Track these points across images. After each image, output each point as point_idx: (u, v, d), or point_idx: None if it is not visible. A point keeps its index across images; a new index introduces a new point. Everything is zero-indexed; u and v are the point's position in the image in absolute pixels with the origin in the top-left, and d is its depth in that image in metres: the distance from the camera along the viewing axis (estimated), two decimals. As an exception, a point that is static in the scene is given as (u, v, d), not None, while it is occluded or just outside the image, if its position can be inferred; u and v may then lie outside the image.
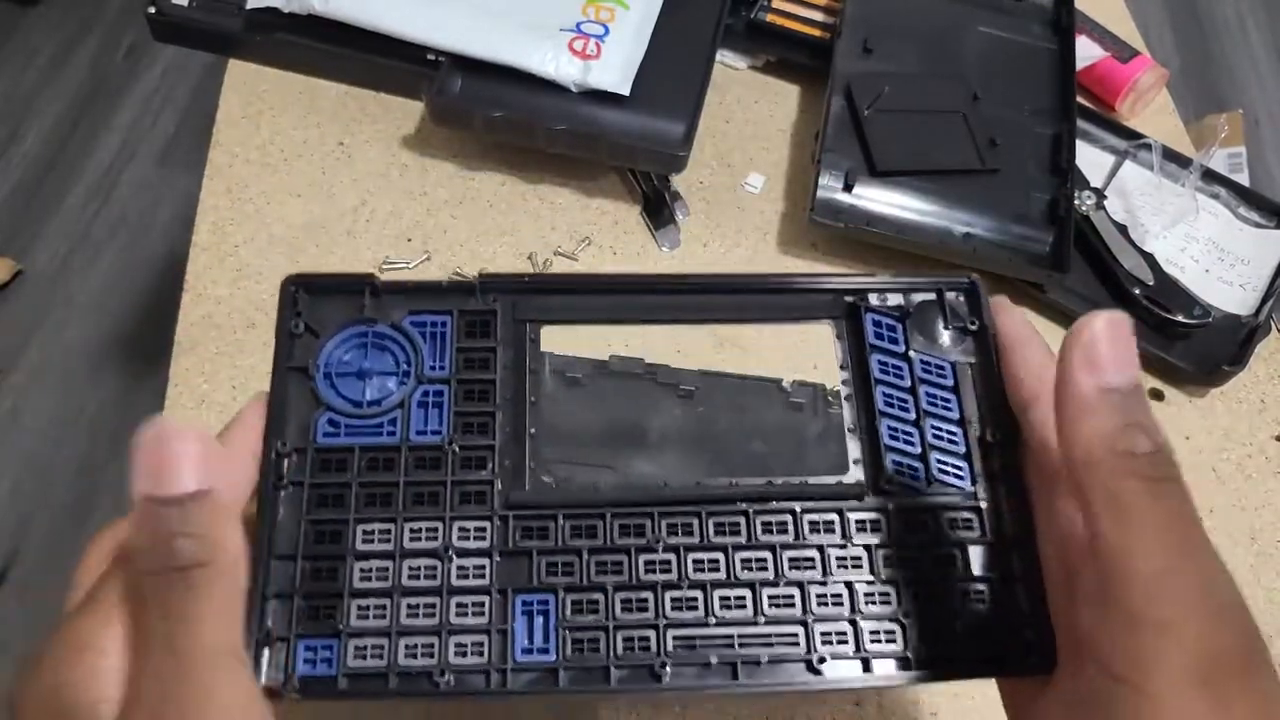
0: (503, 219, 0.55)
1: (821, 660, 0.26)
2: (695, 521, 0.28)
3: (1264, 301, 0.55)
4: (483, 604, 0.26)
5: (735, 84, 0.64)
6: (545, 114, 0.54)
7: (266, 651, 0.25)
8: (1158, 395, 0.53)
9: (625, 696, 0.26)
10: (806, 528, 0.28)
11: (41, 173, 1.39)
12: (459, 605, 0.26)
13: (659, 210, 0.56)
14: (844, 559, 0.27)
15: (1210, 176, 0.60)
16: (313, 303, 0.29)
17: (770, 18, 0.63)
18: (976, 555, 0.28)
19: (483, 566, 0.27)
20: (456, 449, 0.28)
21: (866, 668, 0.26)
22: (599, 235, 0.55)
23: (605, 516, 0.27)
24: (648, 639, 0.26)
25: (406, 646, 0.25)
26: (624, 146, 0.54)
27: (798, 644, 0.26)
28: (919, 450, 0.29)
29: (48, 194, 1.37)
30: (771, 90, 0.64)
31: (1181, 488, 0.22)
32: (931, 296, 0.31)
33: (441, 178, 0.56)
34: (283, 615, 0.25)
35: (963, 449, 0.29)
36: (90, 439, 1.13)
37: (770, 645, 0.26)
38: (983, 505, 0.28)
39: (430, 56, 0.55)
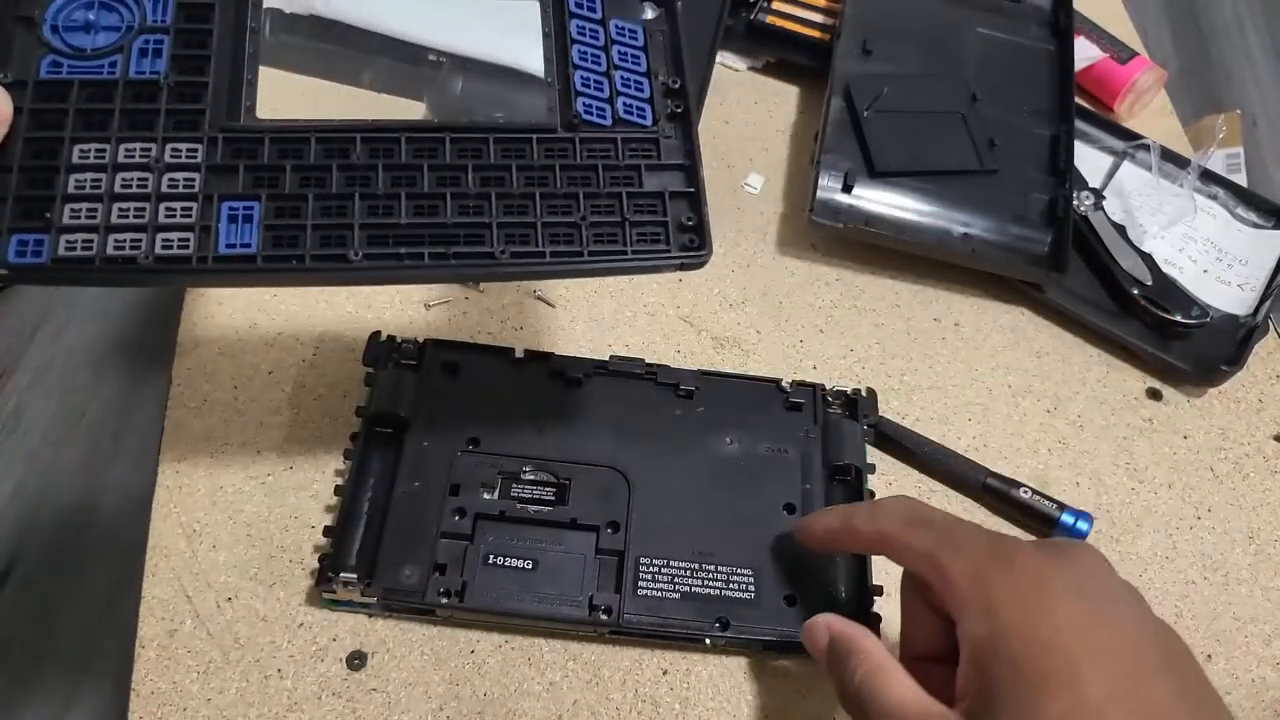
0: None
1: (503, 253, 0.31)
2: (396, 147, 0.32)
3: (1262, 301, 0.55)
4: (191, 209, 0.30)
5: (735, 85, 0.64)
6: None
7: None
8: (1155, 395, 0.53)
9: (318, 277, 0.32)
10: (499, 152, 0.33)
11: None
12: (168, 210, 0.30)
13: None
14: (531, 178, 0.33)
15: (1208, 177, 0.60)
16: None
17: (770, 19, 0.63)
18: (650, 176, 0.33)
19: (192, 179, 0.31)
20: (172, 84, 0.32)
21: (543, 260, 0.31)
22: (599, 235, 0.55)
23: (310, 140, 0.32)
24: (344, 237, 0.31)
25: (115, 240, 0.29)
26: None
27: (483, 242, 0.31)
28: (607, 95, 0.34)
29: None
30: (771, 91, 0.64)
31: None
32: None
33: (442, 178, 0.57)
34: None
35: (647, 94, 0.35)
36: (92, 439, 1.13)
37: (457, 242, 0.31)
38: (659, 138, 0.34)
39: (431, 57, 0.55)
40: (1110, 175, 0.60)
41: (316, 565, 0.41)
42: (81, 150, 0.31)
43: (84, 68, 0.32)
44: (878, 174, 0.55)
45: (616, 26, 0.36)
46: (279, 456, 0.44)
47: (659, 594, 0.40)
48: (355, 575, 0.38)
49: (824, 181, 0.55)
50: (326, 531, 0.40)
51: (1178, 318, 0.53)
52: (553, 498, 0.42)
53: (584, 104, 0.34)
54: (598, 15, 0.36)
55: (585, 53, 0.35)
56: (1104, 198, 0.57)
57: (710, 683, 0.41)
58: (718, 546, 0.42)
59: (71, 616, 1.01)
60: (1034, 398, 0.52)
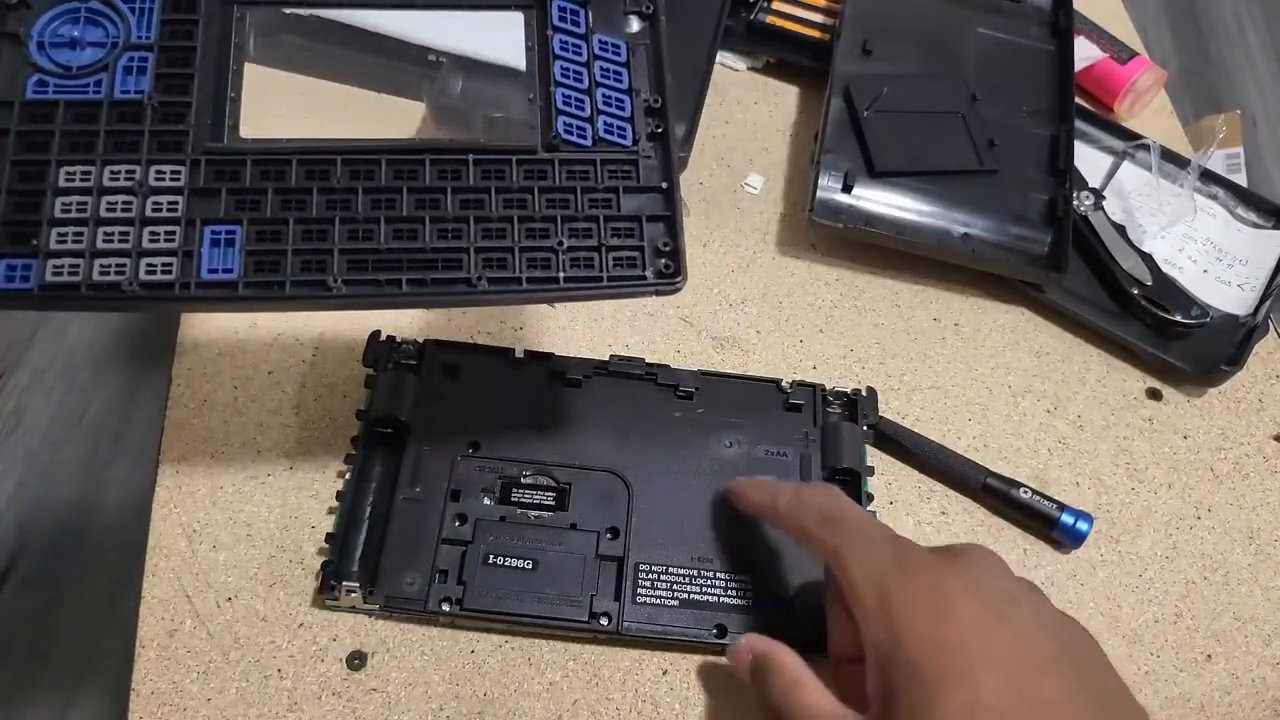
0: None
1: (479, 279, 0.31)
2: (376, 169, 0.32)
3: (1262, 301, 0.55)
4: (174, 233, 0.30)
5: (735, 85, 0.64)
6: (545, 115, 0.54)
7: None
8: (1155, 395, 0.53)
9: (299, 304, 0.31)
10: (478, 175, 0.32)
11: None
12: (151, 234, 0.30)
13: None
14: (510, 200, 0.32)
15: (1208, 177, 0.60)
16: None
17: (770, 19, 0.63)
18: (628, 200, 0.33)
19: (176, 203, 0.30)
20: (156, 104, 0.31)
21: (520, 286, 0.31)
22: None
23: (291, 163, 0.31)
24: (324, 262, 0.30)
25: (101, 266, 0.29)
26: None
27: (460, 267, 0.31)
28: (588, 114, 0.33)
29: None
30: (771, 91, 0.64)
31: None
32: None
33: (442, 178, 0.57)
34: None
35: (628, 113, 0.34)
36: (92, 439, 1.13)
37: (435, 268, 0.31)
38: (639, 159, 0.33)
39: (430, 57, 0.55)
40: (1110, 175, 0.60)
41: (317, 565, 0.41)
42: (68, 173, 0.30)
43: (70, 87, 0.31)
44: (878, 174, 0.55)
45: (600, 41, 0.35)
46: (279, 456, 0.44)
47: (658, 601, 0.40)
48: (358, 584, 0.38)
49: (824, 181, 0.55)
50: (328, 538, 0.40)
51: (1178, 318, 0.53)
52: (553, 503, 0.42)
53: (564, 123, 0.33)
54: (581, 30, 0.35)
55: (567, 69, 0.34)
56: (1104, 198, 0.57)
57: (711, 683, 0.41)
58: (716, 552, 0.42)
59: (71, 616, 1.01)
60: (1034, 398, 0.52)
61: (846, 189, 0.55)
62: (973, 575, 0.31)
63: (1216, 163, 0.63)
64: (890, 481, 0.47)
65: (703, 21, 0.60)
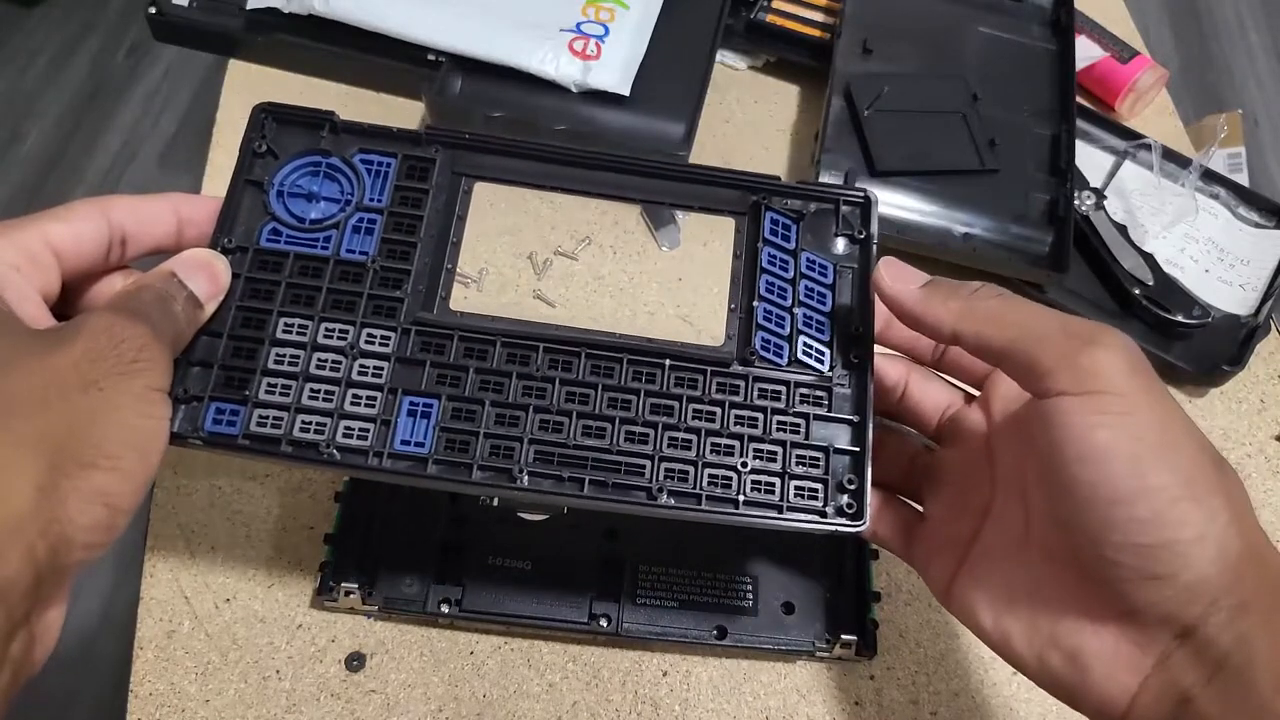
0: (503, 219, 0.55)
1: (660, 490, 0.30)
2: (575, 360, 0.32)
3: (1263, 301, 0.55)
4: (375, 399, 0.30)
5: (735, 84, 0.64)
6: (545, 114, 0.54)
7: (182, 408, 0.29)
8: (1157, 395, 0.53)
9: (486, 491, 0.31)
10: (672, 381, 0.32)
11: (43, 173, 1.39)
12: (354, 396, 0.30)
13: (659, 210, 0.56)
14: (699, 411, 0.31)
15: (1210, 176, 0.60)
16: (278, 130, 0.33)
17: (770, 18, 0.63)
18: (818, 428, 0.31)
19: (381, 368, 0.31)
20: (378, 268, 0.32)
21: (699, 503, 0.30)
22: (599, 235, 0.55)
23: (495, 344, 0.31)
24: (512, 449, 0.30)
25: (303, 422, 0.29)
26: (624, 147, 0.54)
27: (642, 474, 0.30)
28: (787, 332, 0.32)
29: (49, 194, 1.37)
30: (771, 90, 0.64)
31: (991, 288, 0.30)
32: (829, 206, 0.34)
33: (442, 178, 0.56)
34: (201, 380, 0.30)
35: (827, 337, 0.33)
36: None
37: (618, 471, 0.30)
38: (834, 387, 0.32)
39: (430, 56, 0.55)
40: (1111, 175, 0.60)
41: (315, 566, 0.40)
42: (286, 324, 0.31)
43: (301, 239, 0.32)
44: (878, 173, 0.55)
45: (808, 260, 0.34)
46: (277, 457, 0.44)
47: (657, 602, 0.40)
48: (356, 585, 0.38)
49: (824, 180, 0.54)
50: (327, 539, 0.40)
51: (1179, 318, 0.53)
52: (552, 501, 0.42)
53: (762, 339, 0.32)
54: (791, 245, 0.34)
55: (772, 284, 0.33)
56: (1105, 197, 0.57)
57: (710, 684, 0.40)
58: (716, 554, 0.42)
59: (70, 617, 1.01)
60: (1035, 398, 0.52)
61: (847, 188, 0.55)
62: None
63: (1218, 162, 0.62)
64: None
65: (703, 21, 0.59)
